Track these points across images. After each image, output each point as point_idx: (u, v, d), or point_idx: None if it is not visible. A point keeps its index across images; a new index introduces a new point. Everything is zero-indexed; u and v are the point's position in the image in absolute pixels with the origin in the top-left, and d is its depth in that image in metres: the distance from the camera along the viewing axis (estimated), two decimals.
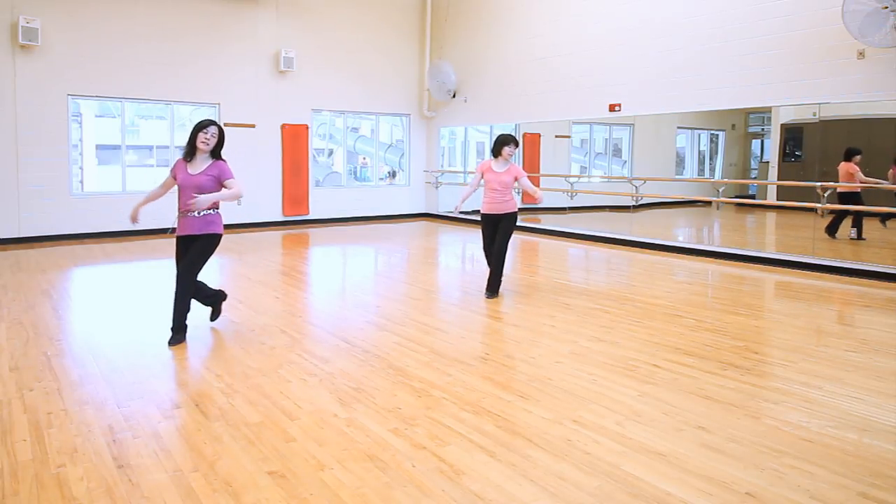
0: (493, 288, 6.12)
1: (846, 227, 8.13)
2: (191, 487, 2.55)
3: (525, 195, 6.04)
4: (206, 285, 4.92)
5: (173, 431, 3.07)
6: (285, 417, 3.25)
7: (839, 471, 2.72)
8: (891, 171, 7.80)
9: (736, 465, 2.77)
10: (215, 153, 4.63)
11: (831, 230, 8.15)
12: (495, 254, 6.12)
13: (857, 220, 8.11)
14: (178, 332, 4.62)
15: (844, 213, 8.05)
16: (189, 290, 4.64)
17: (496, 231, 6.16)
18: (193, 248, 4.56)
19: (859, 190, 7.80)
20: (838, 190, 7.75)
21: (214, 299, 5.01)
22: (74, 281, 7.09)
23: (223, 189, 4.58)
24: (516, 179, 6.14)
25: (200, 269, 4.67)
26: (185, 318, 4.66)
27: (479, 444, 2.95)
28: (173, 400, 3.48)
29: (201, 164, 4.58)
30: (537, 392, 3.63)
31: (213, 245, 4.65)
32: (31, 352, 4.30)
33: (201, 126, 4.58)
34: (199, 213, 4.53)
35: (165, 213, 10.38)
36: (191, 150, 4.59)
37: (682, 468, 2.73)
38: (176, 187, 4.64)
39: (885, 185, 7.71)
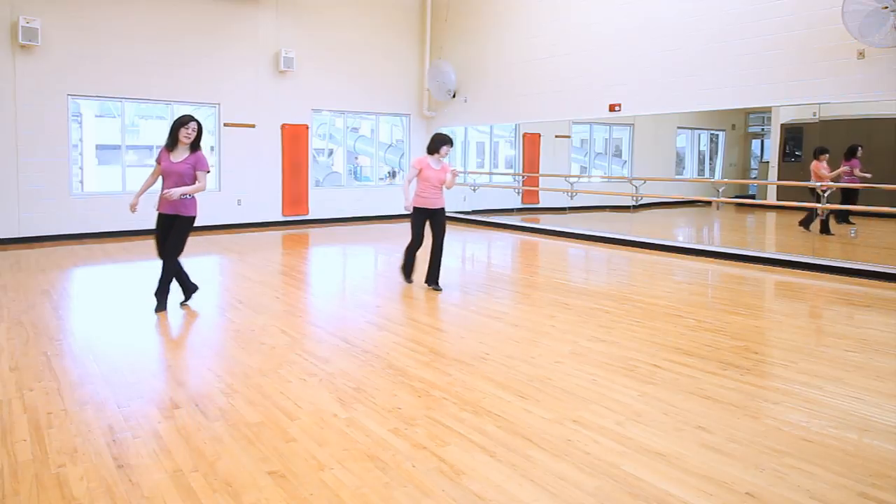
0: (434, 279, 6.43)
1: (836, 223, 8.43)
2: (191, 487, 2.55)
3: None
4: (187, 274, 5.64)
5: (173, 431, 3.07)
6: (285, 417, 3.25)
7: (839, 471, 2.72)
8: (842, 167, 8.05)
9: (736, 465, 2.76)
10: (195, 145, 5.33)
11: (823, 226, 8.49)
12: (438, 248, 6.43)
13: (819, 216, 8.49)
14: (163, 300, 5.43)
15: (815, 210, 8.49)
16: (173, 269, 5.43)
17: (427, 224, 6.44)
18: (173, 230, 5.31)
19: (827, 189, 7.97)
20: (812, 186, 8.11)
21: (188, 287, 5.68)
22: (74, 281, 7.09)
23: (196, 180, 5.32)
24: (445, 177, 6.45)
25: (182, 248, 5.44)
26: (168, 291, 5.45)
27: (479, 444, 2.95)
28: (173, 400, 3.48)
29: (182, 153, 5.30)
30: (537, 392, 3.63)
31: (188, 225, 5.37)
32: (31, 352, 4.30)
33: (183, 122, 5.25)
34: (178, 197, 5.21)
35: None
36: (172, 142, 5.29)
37: (682, 468, 2.73)
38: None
39: (832, 184, 8.02)
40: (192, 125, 5.25)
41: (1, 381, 3.73)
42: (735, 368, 4.04)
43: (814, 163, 8.21)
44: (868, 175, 7.89)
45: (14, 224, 9.47)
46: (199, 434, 3.04)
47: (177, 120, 5.27)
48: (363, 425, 3.16)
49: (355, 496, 2.50)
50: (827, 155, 8.12)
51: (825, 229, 8.48)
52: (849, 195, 8.12)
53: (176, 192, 5.15)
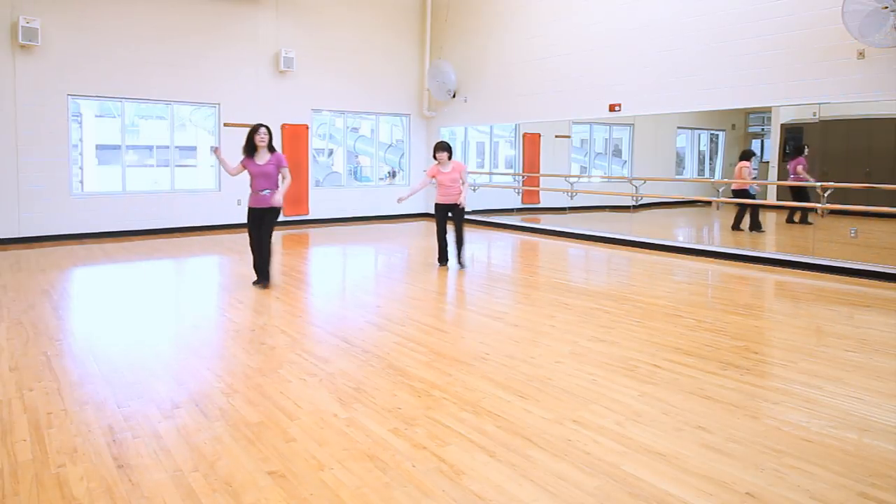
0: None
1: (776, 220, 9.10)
2: (191, 487, 2.55)
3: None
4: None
5: (173, 431, 3.07)
6: (285, 417, 3.25)
7: (839, 471, 2.72)
8: (790, 166, 8.51)
9: (736, 465, 2.76)
10: (270, 147, 6.29)
11: (737, 224, 9.48)
12: (457, 237, 7.60)
13: (754, 213, 9.35)
14: (265, 279, 6.47)
15: (745, 208, 9.33)
16: (271, 248, 6.48)
17: (447, 217, 7.63)
18: (267, 221, 6.33)
19: (748, 187, 9.08)
20: (732, 187, 9.20)
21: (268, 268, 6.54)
22: (74, 281, 7.09)
23: (280, 176, 6.30)
24: (461, 173, 7.56)
25: (273, 231, 6.51)
26: (269, 269, 6.48)
27: (479, 444, 2.95)
28: (173, 400, 3.48)
29: (264, 156, 6.26)
30: (537, 392, 3.63)
31: (277, 214, 6.44)
32: (31, 352, 4.30)
33: (254, 129, 6.21)
34: (267, 192, 6.26)
35: (167, 217, 10.40)
36: (251, 148, 6.23)
37: (682, 468, 2.73)
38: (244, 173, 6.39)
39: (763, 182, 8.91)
40: (262, 130, 6.20)
41: (1, 381, 3.73)
42: (735, 368, 4.04)
43: (739, 164, 9.24)
44: (808, 178, 8.19)
45: (14, 224, 9.47)
46: (199, 434, 3.04)
47: (251, 129, 6.22)
48: (363, 425, 3.16)
49: (355, 496, 2.50)
50: (749, 162, 9.18)
51: (756, 226, 9.29)
52: (798, 194, 8.43)
53: (279, 198, 6.23)
